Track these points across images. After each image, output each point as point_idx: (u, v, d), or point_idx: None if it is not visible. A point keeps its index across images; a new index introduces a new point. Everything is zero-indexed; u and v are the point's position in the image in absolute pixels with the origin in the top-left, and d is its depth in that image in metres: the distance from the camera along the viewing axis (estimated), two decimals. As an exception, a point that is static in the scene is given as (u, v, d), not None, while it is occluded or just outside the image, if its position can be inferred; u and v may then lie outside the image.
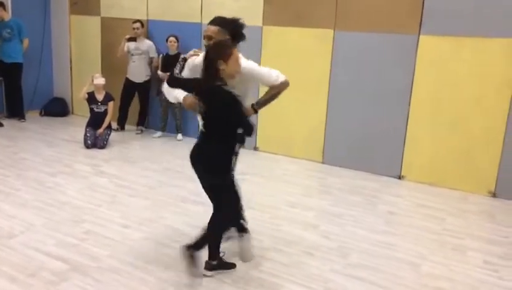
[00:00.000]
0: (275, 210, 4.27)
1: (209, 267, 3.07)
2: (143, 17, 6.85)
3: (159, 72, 6.53)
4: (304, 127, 5.87)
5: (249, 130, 2.80)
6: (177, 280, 3.03)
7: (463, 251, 3.67)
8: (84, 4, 7.45)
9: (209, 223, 2.95)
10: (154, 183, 4.84)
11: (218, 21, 2.97)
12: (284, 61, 5.31)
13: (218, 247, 3.10)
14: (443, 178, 5.11)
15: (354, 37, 5.40)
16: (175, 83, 2.96)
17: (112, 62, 7.16)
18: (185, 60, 3.01)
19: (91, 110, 6.17)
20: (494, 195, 4.90)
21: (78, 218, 3.90)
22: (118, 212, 4.06)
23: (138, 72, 6.74)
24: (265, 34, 5.92)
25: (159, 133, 6.80)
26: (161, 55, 6.58)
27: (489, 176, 4.90)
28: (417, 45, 5.06)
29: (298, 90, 5.63)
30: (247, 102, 3.01)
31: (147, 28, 6.86)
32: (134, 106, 6.92)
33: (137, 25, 6.63)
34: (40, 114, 7.77)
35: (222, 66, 2.73)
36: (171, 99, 3.22)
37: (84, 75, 7.11)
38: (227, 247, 3.25)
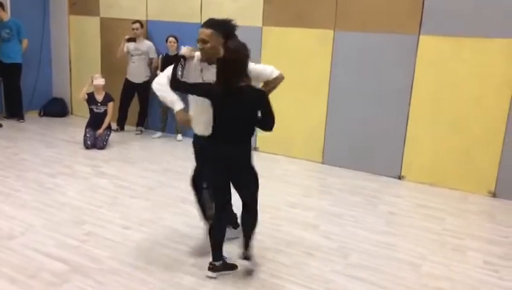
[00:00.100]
0: (275, 210, 4.27)
1: (213, 268, 3.08)
2: (142, 18, 6.84)
3: (159, 73, 6.51)
4: (303, 127, 5.87)
5: (273, 120, 2.91)
6: (178, 280, 3.03)
7: (463, 251, 3.67)
8: (83, 4, 7.44)
9: (244, 220, 3.12)
10: (154, 184, 4.84)
11: (210, 23, 2.97)
12: (284, 62, 5.29)
13: (222, 248, 3.11)
14: (443, 178, 5.11)
15: (354, 37, 5.39)
16: (180, 86, 2.97)
17: (111, 62, 7.15)
18: (184, 58, 3.00)
19: (91, 110, 6.17)
20: (494, 195, 4.90)
21: (78, 219, 3.90)
22: (118, 213, 4.06)
23: (138, 73, 6.73)
24: (265, 35, 5.92)
25: (158, 134, 6.80)
26: (161, 56, 6.57)
27: (489, 176, 4.90)
28: (417, 45, 5.06)
29: (298, 90, 5.65)
30: None
31: (146, 29, 6.85)
32: (134, 107, 6.91)
33: (137, 25, 6.63)
34: (40, 114, 7.75)
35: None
36: (168, 103, 3.13)
37: (83, 76, 7.10)
38: (227, 247, 3.24)
